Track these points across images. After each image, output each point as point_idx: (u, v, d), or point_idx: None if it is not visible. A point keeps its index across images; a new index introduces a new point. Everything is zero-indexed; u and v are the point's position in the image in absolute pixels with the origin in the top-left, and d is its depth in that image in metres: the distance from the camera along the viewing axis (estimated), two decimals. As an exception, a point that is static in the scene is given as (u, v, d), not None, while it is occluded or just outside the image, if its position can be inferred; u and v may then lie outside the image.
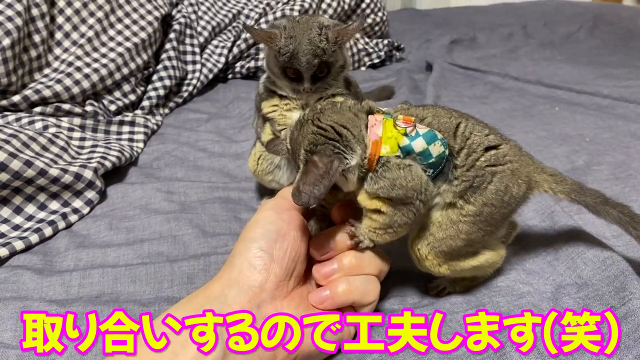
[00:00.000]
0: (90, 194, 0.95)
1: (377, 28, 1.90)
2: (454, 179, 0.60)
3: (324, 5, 1.73)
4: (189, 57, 1.52)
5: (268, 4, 1.70)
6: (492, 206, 0.61)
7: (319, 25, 0.75)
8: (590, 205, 0.68)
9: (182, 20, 1.51)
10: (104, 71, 1.23)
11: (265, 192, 0.97)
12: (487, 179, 0.61)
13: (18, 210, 0.90)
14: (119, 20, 1.34)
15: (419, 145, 0.58)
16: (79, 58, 1.23)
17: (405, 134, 0.58)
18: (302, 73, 0.75)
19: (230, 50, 1.60)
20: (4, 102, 1.10)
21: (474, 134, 0.61)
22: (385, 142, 0.58)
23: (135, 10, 1.37)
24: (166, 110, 1.39)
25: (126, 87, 1.31)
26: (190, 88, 1.47)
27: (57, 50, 1.22)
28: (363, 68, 1.75)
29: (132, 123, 1.23)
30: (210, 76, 1.54)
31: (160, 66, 1.41)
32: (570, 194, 0.68)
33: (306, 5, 1.65)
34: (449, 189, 0.61)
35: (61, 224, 0.89)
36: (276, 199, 0.63)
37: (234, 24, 1.69)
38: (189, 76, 1.50)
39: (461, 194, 0.61)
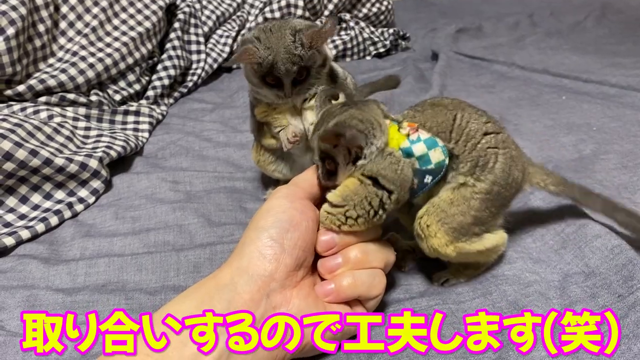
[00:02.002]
0: (96, 184, 0.95)
1: (382, 17, 1.89)
2: (458, 166, 0.62)
3: (328, -6, 1.72)
4: (193, 47, 1.51)
5: (273, -7, 1.69)
6: (500, 185, 0.63)
7: (291, 32, 0.74)
8: (577, 195, 0.74)
9: (186, 9, 1.50)
10: (108, 61, 1.23)
11: (271, 181, 0.97)
12: (492, 159, 0.63)
13: (24, 200, 0.90)
14: (123, 9, 1.34)
15: (419, 149, 0.60)
16: (83, 47, 1.22)
17: (408, 137, 0.61)
18: (282, 80, 0.75)
19: (234, 39, 1.59)
20: (9, 92, 1.10)
21: (470, 122, 0.63)
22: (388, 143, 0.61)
23: (139, -1, 1.36)
24: (171, 100, 1.39)
25: (131, 77, 1.31)
26: (195, 78, 1.47)
27: (62, 40, 1.22)
28: (368, 57, 1.74)
29: (137, 113, 1.23)
30: (215, 66, 1.53)
31: (164, 56, 1.41)
32: (559, 185, 0.72)
33: (311, -6, 1.65)
34: (455, 175, 0.63)
35: (67, 214, 0.90)
36: (289, 186, 0.62)
37: (238, 13, 1.68)
38: (194, 66, 1.49)
39: (470, 172, 0.62)
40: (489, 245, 0.66)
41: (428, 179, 0.61)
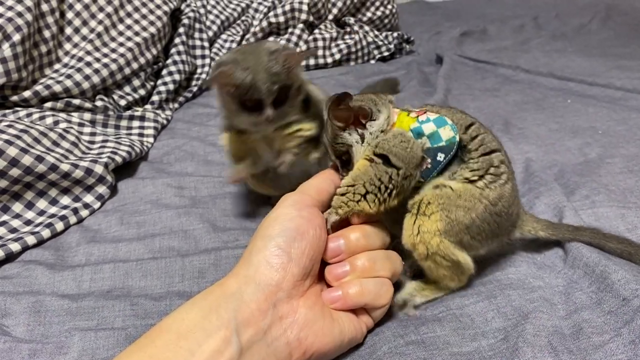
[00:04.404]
0: (101, 189, 0.96)
1: (386, 21, 1.89)
2: (468, 160, 0.64)
3: (333, -2, 1.73)
4: (198, 52, 1.52)
5: (277, -3, 1.70)
6: (504, 205, 0.65)
7: (267, 52, 0.74)
8: (566, 236, 0.74)
9: (191, 14, 1.51)
10: (113, 66, 1.24)
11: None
12: (504, 177, 0.65)
13: (30, 206, 0.90)
14: (128, 15, 1.34)
15: (428, 127, 0.63)
16: (88, 53, 1.23)
17: (417, 119, 0.63)
18: (262, 102, 0.73)
19: (239, 44, 1.60)
20: (15, 98, 1.10)
21: (487, 134, 0.66)
22: (398, 125, 0.64)
23: (144, 4, 1.37)
24: (176, 105, 1.40)
25: (136, 82, 1.32)
26: (200, 82, 1.47)
27: (67, 46, 1.23)
28: (373, 61, 1.74)
29: (142, 118, 1.23)
30: (219, 71, 1.54)
31: (169, 61, 1.41)
32: (548, 230, 0.73)
33: (315, -2, 1.65)
34: (466, 168, 0.64)
35: (72, 219, 0.90)
36: (296, 194, 0.62)
37: (243, 18, 1.69)
38: (199, 70, 1.50)
39: (480, 174, 0.64)
40: (464, 263, 0.65)
41: (440, 156, 0.63)
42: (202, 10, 1.60)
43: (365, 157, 0.63)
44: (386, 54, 1.75)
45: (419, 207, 0.63)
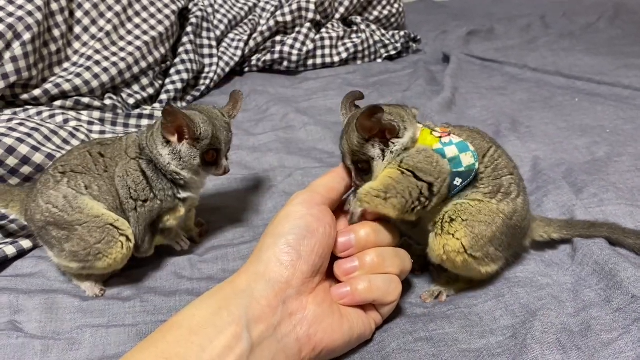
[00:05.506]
0: (111, 187, 0.96)
1: (393, 20, 1.88)
2: (480, 185, 0.65)
3: (340, -3, 1.73)
4: (205, 51, 1.52)
5: (284, -4, 1.70)
6: (518, 218, 0.66)
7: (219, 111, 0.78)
8: (583, 234, 0.74)
9: (199, 13, 1.51)
10: (122, 65, 1.24)
11: (283, 185, 0.97)
12: (515, 191, 0.66)
13: (40, 203, 0.91)
14: (137, 13, 1.35)
15: (450, 151, 0.62)
16: (97, 52, 1.24)
17: (440, 140, 0.63)
18: (220, 153, 0.74)
19: (246, 43, 1.60)
20: (25, 96, 1.11)
21: (502, 158, 0.67)
22: (421, 142, 0.64)
23: (152, 3, 1.38)
24: (184, 104, 1.40)
25: (144, 81, 1.32)
26: (207, 81, 1.47)
27: (76, 45, 1.24)
28: (379, 60, 1.74)
29: (150, 116, 1.24)
30: (227, 69, 1.54)
31: (177, 60, 1.42)
32: (562, 230, 0.75)
33: (322, -3, 1.65)
34: (478, 191, 0.65)
35: (83, 217, 0.90)
36: (306, 192, 0.62)
37: (250, 17, 1.69)
38: (206, 69, 1.50)
39: (491, 195, 0.65)
40: (491, 272, 0.68)
41: (458, 181, 0.63)
42: (209, 10, 1.60)
43: (397, 168, 0.62)
44: (393, 52, 1.75)
45: (442, 225, 0.65)
